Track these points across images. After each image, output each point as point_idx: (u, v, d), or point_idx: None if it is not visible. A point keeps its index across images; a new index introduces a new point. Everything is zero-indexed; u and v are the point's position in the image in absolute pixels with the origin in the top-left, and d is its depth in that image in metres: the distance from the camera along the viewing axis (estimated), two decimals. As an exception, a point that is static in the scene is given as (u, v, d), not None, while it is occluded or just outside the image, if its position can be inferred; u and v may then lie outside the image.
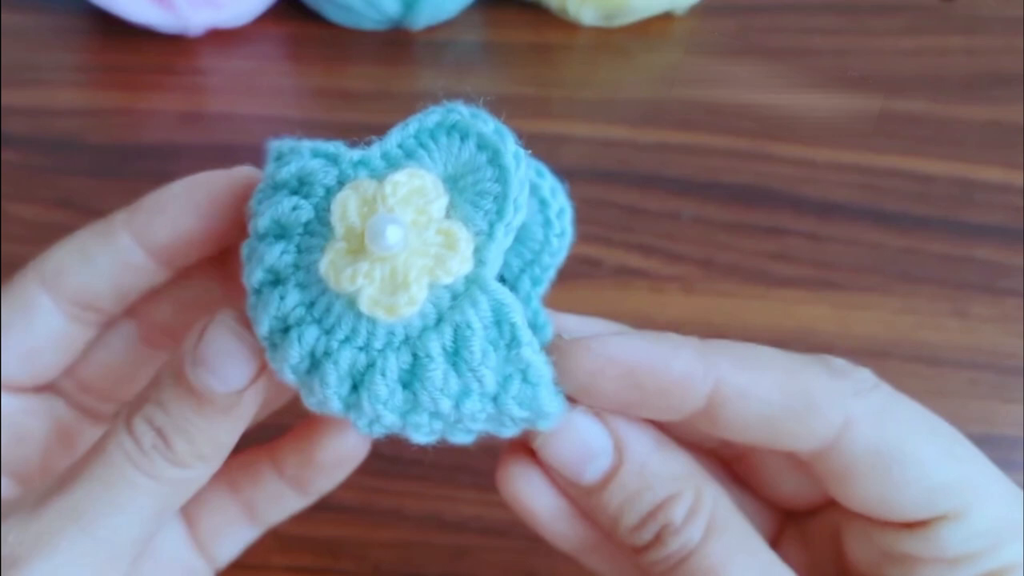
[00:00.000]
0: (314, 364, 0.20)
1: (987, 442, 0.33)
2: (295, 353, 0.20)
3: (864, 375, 0.22)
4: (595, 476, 0.22)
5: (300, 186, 0.21)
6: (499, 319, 0.20)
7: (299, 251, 0.21)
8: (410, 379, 0.20)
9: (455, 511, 0.33)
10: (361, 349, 0.20)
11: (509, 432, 0.21)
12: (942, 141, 0.44)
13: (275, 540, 0.31)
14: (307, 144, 0.22)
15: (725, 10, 0.51)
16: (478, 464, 0.33)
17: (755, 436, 0.21)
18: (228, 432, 0.22)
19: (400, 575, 0.27)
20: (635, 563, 0.23)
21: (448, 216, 0.20)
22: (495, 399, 0.20)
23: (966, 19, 0.51)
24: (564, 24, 0.51)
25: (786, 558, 0.22)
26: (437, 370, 0.20)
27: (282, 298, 0.20)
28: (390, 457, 0.32)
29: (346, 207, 0.20)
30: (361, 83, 0.48)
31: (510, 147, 0.21)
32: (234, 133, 0.46)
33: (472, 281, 0.20)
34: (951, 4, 0.51)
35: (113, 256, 0.24)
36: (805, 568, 0.24)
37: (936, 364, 0.36)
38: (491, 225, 0.20)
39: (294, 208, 0.21)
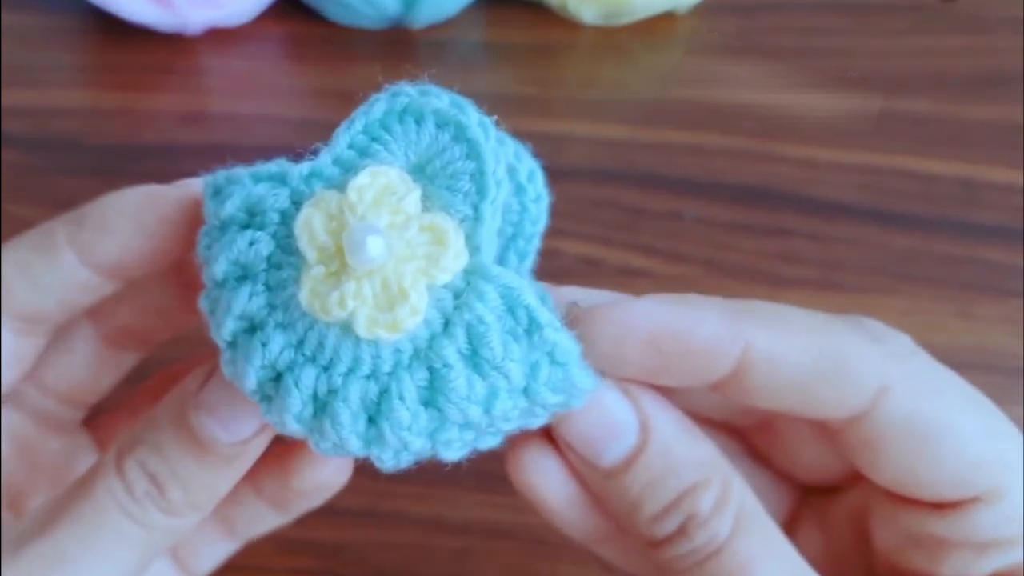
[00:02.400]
0: (320, 407, 0.18)
1: (992, 443, 0.34)
2: (295, 400, 0.18)
3: (903, 340, 0.21)
4: (617, 456, 0.20)
5: (251, 218, 0.19)
6: (511, 305, 0.18)
7: (269, 289, 0.18)
8: (431, 395, 0.18)
9: (457, 513, 0.33)
10: (369, 377, 0.18)
11: (540, 422, 0.20)
12: (945, 141, 0.44)
13: (277, 542, 0.31)
14: (245, 171, 0.20)
15: (726, 10, 0.51)
16: (480, 466, 0.32)
17: (784, 403, 0.20)
18: (227, 482, 0.21)
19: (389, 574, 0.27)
20: (652, 557, 0.21)
21: (426, 209, 0.18)
22: (526, 391, 0.18)
23: (968, 19, 0.51)
24: (565, 23, 0.51)
25: (803, 539, 0.22)
26: (459, 378, 0.18)
27: (264, 344, 0.18)
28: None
29: (312, 227, 0.18)
30: (361, 82, 0.47)
31: (473, 117, 0.19)
32: (234, 132, 0.46)
33: (471, 272, 0.18)
34: (952, 4, 0.51)
35: (57, 274, 0.22)
36: (822, 550, 0.24)
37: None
38: (475, 207, 0.18)
39: (251, 243, 0.18)
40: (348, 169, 0.19)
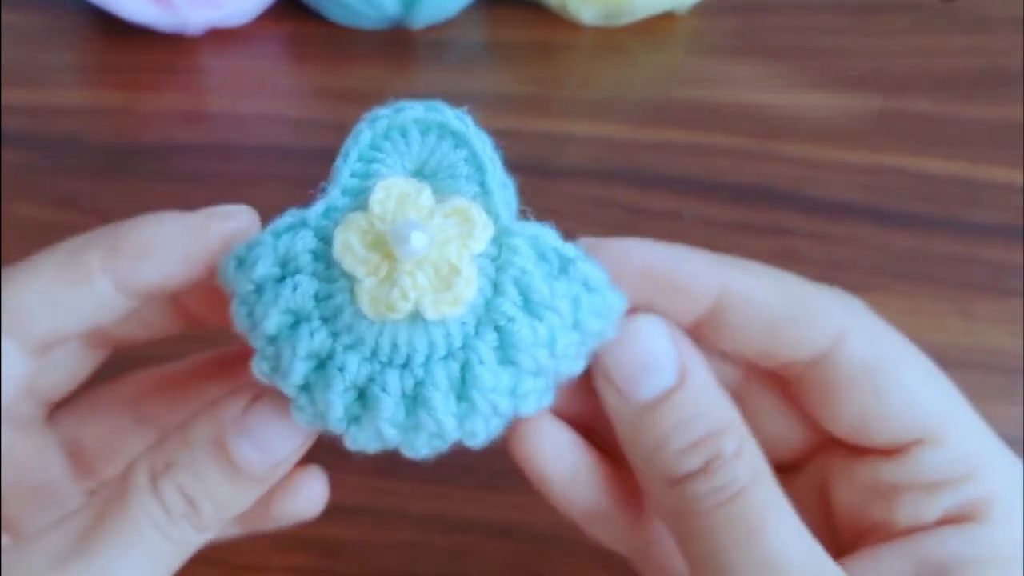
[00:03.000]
0: (411, 404, 0.20)
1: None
2: (388, 407, 0.19)
3: (858, 302, 0.24)
4: (654, 392, 0.21)
5: (285, 268, 0.20)
6: (541, 251, 0.20)
7: (325, 321, 0.20)
8: (504, 352, 0.20)
9: (456, 511, 0.33)
10: (447, 357, 0.20)
11: (583, 363, 0.21)
12: (945, 140, 0.44)
13: (275, 540, 0.31)
14: (263, 233, 0.21)
15: (726, 10, 0.51)
16: (480, 464, 0.32)
17: (754, 344, 0.22)
18: (253, 499, 0.22)
19: (399, 575, 0.27)
20: (667, 500, 0.21)
21: (439, 201, 0.21)
22: (576, 324, 0.20)
23: (968, 18, 0.51)
24: (565, 23, 0.51)
25: None
26: (523, 327, 0.20)
27: (341, 369, 0.20)
28: (391, 457, 0.32)
29: (351, 246, 0.20)
30: (361, 82, 0.48)
31: (449, 113, 0.21)
32: (234, 132, 0.46)
33: (499, 235, 0.20)
34: (952, 3, 0.51)
35: (88, 300, 0.22)
36: None
37: (940, 364, 0.35)
38: (481, 183, 0.21)
39: (295, 288, 0.20)
40: (357, 195, 0.21)
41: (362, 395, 0.20)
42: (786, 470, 0.26)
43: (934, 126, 0.45)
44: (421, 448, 0.21)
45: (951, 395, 0.23)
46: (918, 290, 0.38)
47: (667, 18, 0.51)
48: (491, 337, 0.20)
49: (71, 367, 0.26)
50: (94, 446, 0.27)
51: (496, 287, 0.20)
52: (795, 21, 0.51)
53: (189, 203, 0.42)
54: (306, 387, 0.20)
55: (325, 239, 0.20)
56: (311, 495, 0.25)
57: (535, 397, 0.21)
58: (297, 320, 0.20)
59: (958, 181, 0.42)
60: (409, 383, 0.20)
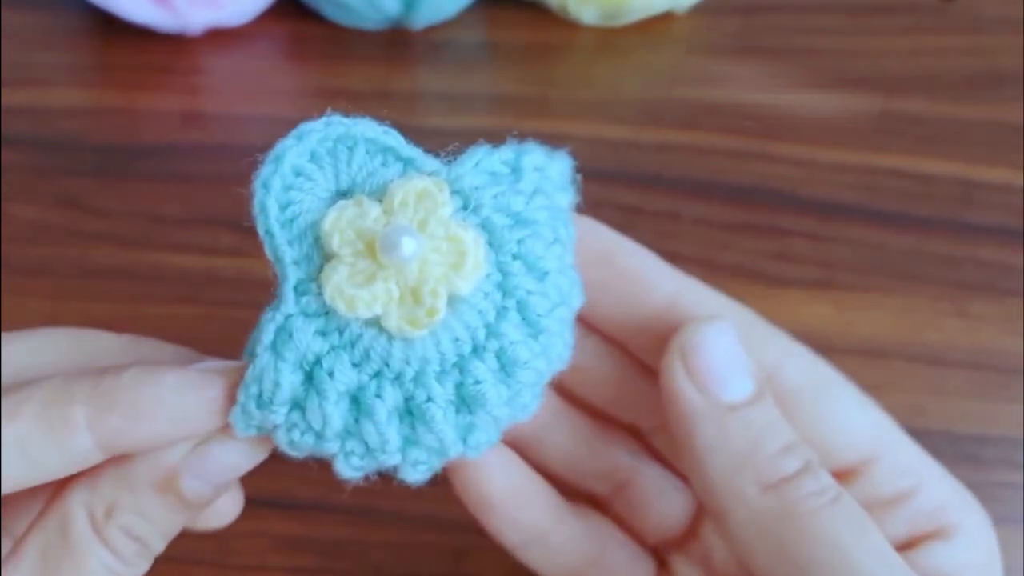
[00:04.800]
0: (408, 413, 0.19)
1: (988, 442, 0.34)
2: (382, 415, 0.19)
3: (787, 336, 0.25)
4: (742, 394, 0.21)
5: (305, 368, 0.19)
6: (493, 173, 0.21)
7: (359, 363, 0.19)
8: (530, 327, 0.20)
9: (455, 512, 0.33)
10: (501, 353, 0.19)
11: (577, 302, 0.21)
12: (943, 141, 0.44)
13: (275, 541, 0.31)
14: (261, 360, 0.19)
15: (726, 10, 0.51)
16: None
17: None
18: (194, 518, 0.22)
19: (391, 574, 0.27)
20: (767, 502, 0.20)
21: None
22: (557, 240, 0.21)
23: (966, 19, 0.51)
24: (565, 24, 0.51)
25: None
26: (540, 242, 0.20)
27: (331, 375, 0.19)
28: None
29: (340, 229, 0.19)
30: (361, 83, 0.48)
31: (377, 130, 0.20)
32: (234, 133, 0.46)
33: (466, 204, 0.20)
34: (951, 4, 0.51)
35: (65, 456, 0.20)
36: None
37: (938, 364, 0.36)
38: (416, 159, 0.20)
39: (333, 375, 0.19)
40: (304, 241, 0.19)
41: (357, 414, 0.19)
42: (670, 550, 0.26)
43: (932, 127, 0.45)
44: (419, 465, 0.20)
45: (881, 416, 0.24)
46: (915, 290, 0.38)
47: (666, 18, 0.51)
48: (492, 352, 0.19)
49: None
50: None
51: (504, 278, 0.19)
52: (794, 21, 0.51)
53: (190, 203, 0.42)
54: (295, 404, 0.19)
55: (316, 312, 0.19)
56: (226, 509, 0.25)
57: (532, 396, 0.20)
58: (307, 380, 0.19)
59: (956, 182, 0.42)
60: (406, 394, 0.19)
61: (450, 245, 0.19)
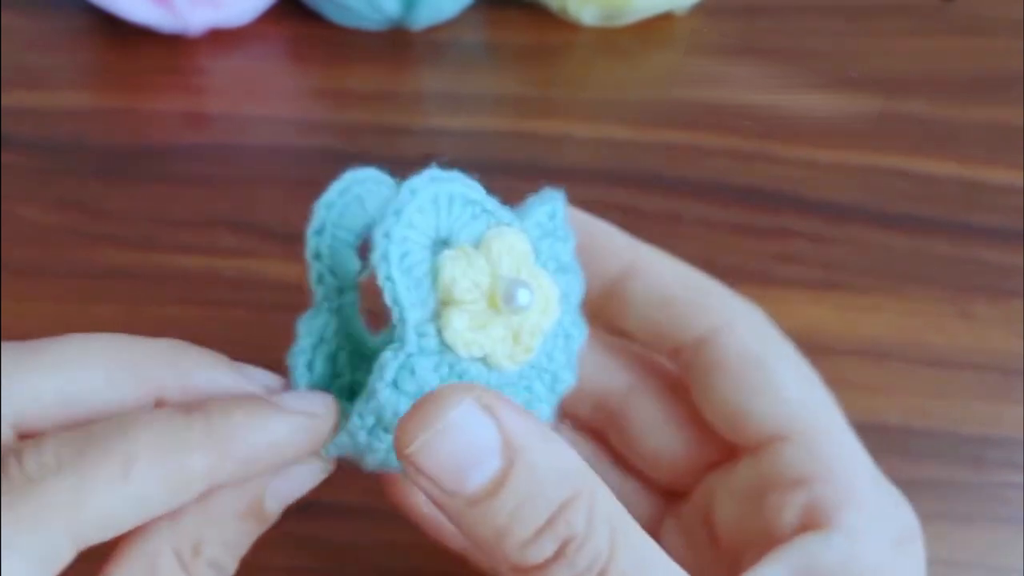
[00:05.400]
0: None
1: (991, 443, 0.34)
2: None
3: (750, 303, 0.25)
4: (482, 481, 0.18)
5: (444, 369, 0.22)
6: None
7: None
8: (570, 355, 0.23)
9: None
10: (554, 377, 0.23)
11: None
12: (944, 142, 0.44)
13: (275, 541, 0.31)
14: (382, 392, 0.21)
15: (726, 11, 0.51)
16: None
17: (653, 319, 0.24)
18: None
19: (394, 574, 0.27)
20: None
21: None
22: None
23: (967, 20, 0.51)
24: (565, 24, 0.51)
25: (667, 543, 0.23)
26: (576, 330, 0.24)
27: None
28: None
29: (457, 279, 0.21)
30: (362, 83, 0.48)
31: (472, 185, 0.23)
32: (235, 133, 0.46)
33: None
34: (952, 5, 0.51)
35: (176, 502, 0.20)
36: (684, 551, 0.25)
37: (940, 365, 0.36)
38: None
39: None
40: (424, 305, 0.21)
41: None
42: (676, 497, 0.27)
43: (933, 128, 0.45)
44: None
45: (822, 398, 0.24)
46: (917, 291, 0.38)
47: (666, 19, 0.51)
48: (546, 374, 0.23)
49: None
50: None
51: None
52: (794, 22, 0.51)
53: (191, 204, 0.42)
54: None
55: (432, 351, 0.21)
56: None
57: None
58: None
59: (957, 183, 0.42)
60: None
61: (540, 292, 0.22)
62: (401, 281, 0.20)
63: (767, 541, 0.23)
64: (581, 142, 0.45)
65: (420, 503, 0.24)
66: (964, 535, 0.32)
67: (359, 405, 0.21)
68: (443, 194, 0.21)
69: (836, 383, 0.35)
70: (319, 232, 0.23)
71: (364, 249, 0.23)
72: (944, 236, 0.40)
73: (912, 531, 0.23)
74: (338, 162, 0.44)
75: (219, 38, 0.50)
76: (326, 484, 0.26)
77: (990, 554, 0.31)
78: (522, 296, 0.21)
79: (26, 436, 0.20)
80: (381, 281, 0.20)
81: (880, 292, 0.38)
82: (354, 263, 0.23)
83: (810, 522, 0.22)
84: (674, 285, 0.25)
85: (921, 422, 0.34)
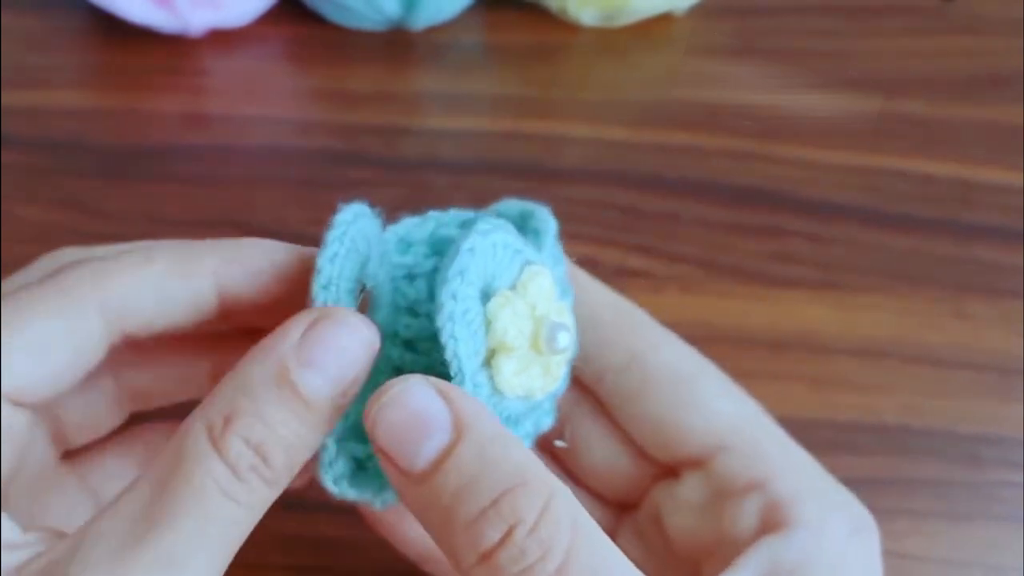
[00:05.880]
0: None
1: (989, 441, 0.34)
2: None
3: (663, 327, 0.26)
4: (429, 456, 0.19)
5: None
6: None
7: None
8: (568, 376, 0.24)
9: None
10: (555, 394, 0.24)
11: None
12: (943, 142, 0.44)
13: (275, 539, 0.31)
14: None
15: (725, 11, 0.51)
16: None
17: (581, 342, 0.24)
18: (319, 438, 0.20)
19: (401, 574, 0.27)
20: None
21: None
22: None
23: (966, 20, 0.51)
24: (564, 25, 0.51)
25: (625, 551, 0.23)
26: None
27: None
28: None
29: (508, 327, 0.22)
30: (362, 84, 0.48)
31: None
32: (235, 134, 0.46)
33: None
34: (951, 5, 0.51)
35: (189, 302, 0.23)
36: (642, 559, 0.25)
37: (937, 364, 0.36)
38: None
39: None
40: (478, 354, 0.22)
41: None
42: (628, 508, 0.27)
43: (932, 128, 0.45)
44: None
45: (753, 408, 0.25)
46: (915, 291, 0.38)
47: (665, 19, 0.51)
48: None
49: (98, 418, 0.26)
50: (73, 418, 0.25)
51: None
52: (793, 23, 0.51)
53: (191, 204, 0.42)
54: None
55: (482, 390, 0.22)
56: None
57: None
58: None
59: (955, 183, 0.42)
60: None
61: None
62: (462, 337, 0.21)
63: (727, 548, 0.23)
64: (580, 142, 0.45)
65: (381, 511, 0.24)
66: (961, 534, 0.32)
67: None
68: (498, 244, 0.22)
69: (834, 382, 0.35)
70: (326, 287, 0.22)
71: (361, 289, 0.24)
72: (942, 236, 0.40)
73: (865, 520, 0.23)
74: (338, 162, 0.44)
75: (219, 39, 0.50)
76: (325, 483, 0.26)
77: (987, 553, 0.31)
78: (562, 339, 0.22)
79: (127, 336, 0.23)
80: (445, 338, 0.21)
81: (878, 292, 0.38)
82: (354, 303, 0.23)
83: (769, 523, 0.23)
84: (602, 309, 0.25)
85: (918, 421, 0.34)
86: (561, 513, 0.18)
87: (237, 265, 0.23)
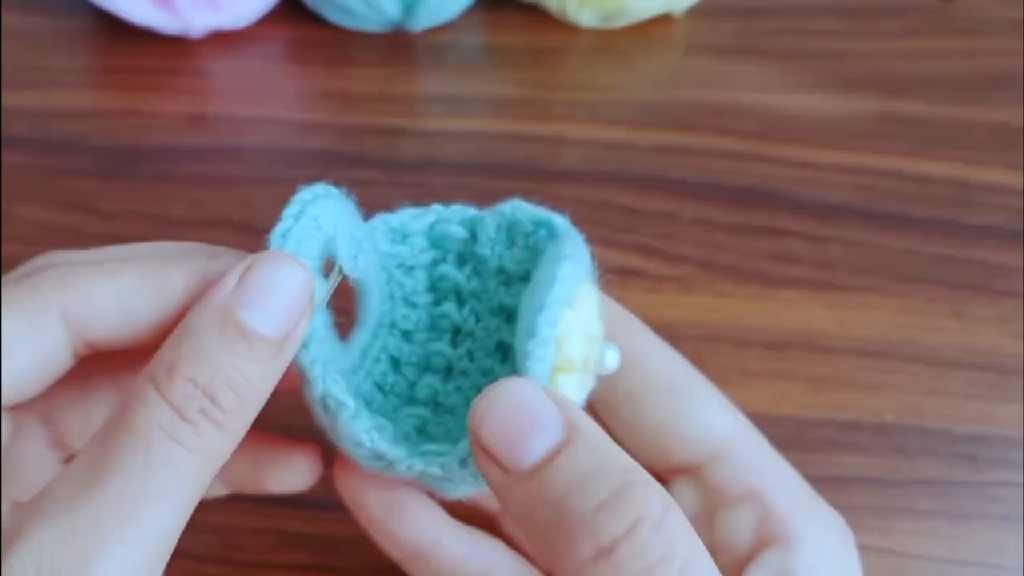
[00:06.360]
0: None
1: (986, 441, 0.34)
2: None
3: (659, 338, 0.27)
4: (540, 453, 0.18)
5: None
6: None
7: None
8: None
9: (456, 508, 0.33)
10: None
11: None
12: (941, 142, 0.44)
13: (276, 538, 0.32)
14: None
15: (723, 12, 0.52)
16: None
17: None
18: (270, 383, 0.20)
19: (400, 573, 0.27)
20: None
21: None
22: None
23: (965, 21, 0.51)
24: (564, 26, 0.51)
25: None
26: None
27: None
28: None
29: (573, 345, 0.22)
30: (362, 85, 0.48)
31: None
32: (236, 135, 0.46)
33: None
34: (950, 5, 0.51)
35: (153, 308, 0.21)
36: None
37: (935, 364, 0.36)
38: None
39: None
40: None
41: None
42: None
43: (930, 128, 0.45)
44: None
45: (742, 419, 0.25)
46: (913, 291, 0.38)
47: (664, 20, 0.51)
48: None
49: (98, 424, 0.26)
50: (73, 424, 0.25)
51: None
52: (792, 23, 0.51)
53: (193, 204, 0.42)
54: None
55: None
56: (303, 468, 0.26)
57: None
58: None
59: (953, 183, 0.42)
60: None
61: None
62: (548, 358, 0.21)
63: (720, 556, 0.24)
64: (580, 143, 0.45)
65: (369, 503, 0.24)
66: (959, 533, 0.32)
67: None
68: (579, 272, 0.22)
69: (831, 382, 0.36)
70: None
71: (328, 268, 0.23)
72: (940, 236, 0.40)
73: (849, 535, 0.25)
74: (338, 163, 0.45)
75: (220, 40, 0.51)
76: (327, 481, 0.26)
77: (985, 552, 0.32)
78: (610, 359, 0.22)
79: (90, 346, 0.22)
80: (531, 359, 0.21)
81: (876, 292, 0.38)
82: (321, 286, 0.22)
83: (766, 535, 0.23)
84: (606, 320, 0.25)
85: (916, 421, 0.34)
86: (682, 517, 0.18)
87: (206, 280, 0.21)
